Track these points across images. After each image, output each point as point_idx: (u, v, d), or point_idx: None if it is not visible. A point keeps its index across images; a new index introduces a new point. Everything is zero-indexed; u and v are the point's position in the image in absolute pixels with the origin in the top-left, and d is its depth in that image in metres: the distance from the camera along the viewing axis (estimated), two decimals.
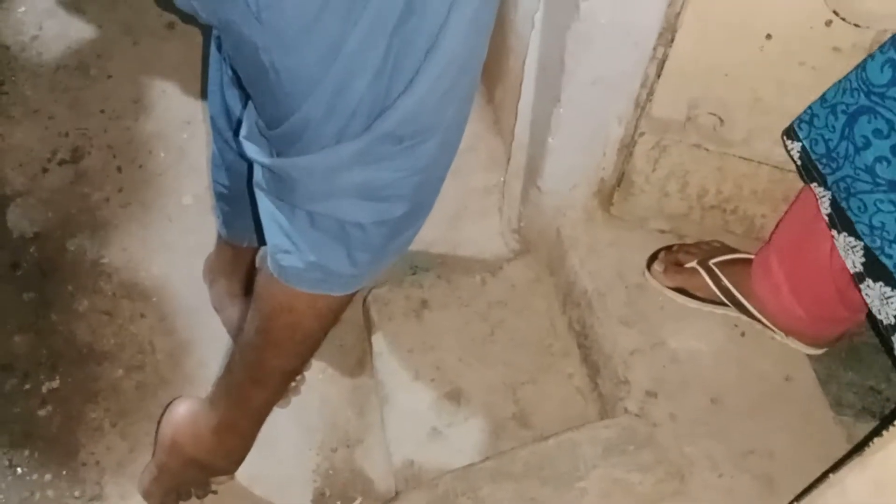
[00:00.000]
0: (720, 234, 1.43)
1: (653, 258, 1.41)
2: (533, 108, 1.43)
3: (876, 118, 1.03)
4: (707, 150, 1.31)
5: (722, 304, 1.36)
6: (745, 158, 1.31)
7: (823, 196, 1.14)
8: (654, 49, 1.21)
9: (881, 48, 1.02)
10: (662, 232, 1.46)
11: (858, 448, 0.93)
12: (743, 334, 1.36)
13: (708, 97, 1.25)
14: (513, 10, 1.57)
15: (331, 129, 0.84)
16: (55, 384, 1.49)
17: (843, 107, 1.07)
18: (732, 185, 1.36)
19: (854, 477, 0.92)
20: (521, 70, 1.43)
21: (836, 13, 1.07)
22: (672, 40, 1.19)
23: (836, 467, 0.95)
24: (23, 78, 1.89)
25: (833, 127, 1.09)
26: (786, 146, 1.20)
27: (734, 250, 1.39)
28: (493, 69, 1.80)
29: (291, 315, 1.04)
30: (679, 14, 1.16)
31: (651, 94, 1.27)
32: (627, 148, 1.36)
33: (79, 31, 1.99)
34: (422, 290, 1.51)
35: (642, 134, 1.33)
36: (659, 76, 1.24)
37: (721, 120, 1.26)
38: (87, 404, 1.47)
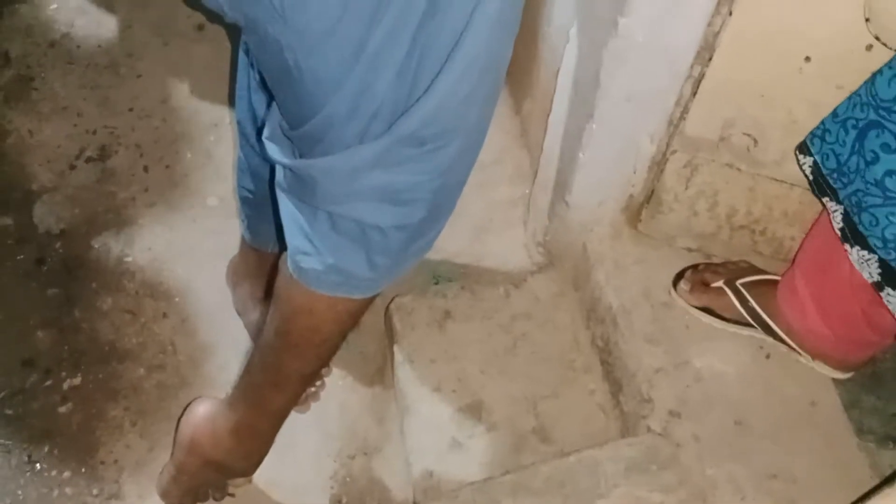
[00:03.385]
0: (748, 254, 1.42)
1: (679, 277, 1.41)
2: (564, 122, 1.42)
3: (884, 132, 1.03)
4: (739, 170, 1.31)
5: (748, 325, 1.35)
6: (777, 180, 1.30)
7: (836, 210, 1.14)
8: (691, 67, 1.21)
9: (889, 63, 1.03)
10: (690, 250, 1.46)
11: (890, 479, 0.93)
12: (768, 356, 1.35)
13: (743, 117, 1.24)
14: (546, 24, 1.57)
15: (353, 129, 0.83)
16: (76, 381, 1.49)
17: (854, 121, 1.08)
18: (763, 206, 1.35)
19: None
20: (553, 83, 1.43)
21: (877, 38, 1.06)
22: (710, 59, 1.19)
23: (865, 498, 0.95)
24: (53, 75, 1.90)
25: (844, 142, 1.10)
26: (798, 161, 1.20)
27: (762, 271, 1.38)
28: (521, 81, 1.80)
29: (311, 318, 1.04)
30: (718, 33, 1.16)
31: (685, 112, 1.27)
32: (658, 165, 1.36)
33: (109, 29, 2.00)
34: (445, 300, 1.51)
35: (674, 152, 1.32)
36: (694, 95, 1.24)
37: (755, 140, 1.26)
38: (107, 402, 1.47)
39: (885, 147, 1.03)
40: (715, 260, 1.44)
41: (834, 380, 1.35)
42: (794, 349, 1.33)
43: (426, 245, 1.00)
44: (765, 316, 1.34)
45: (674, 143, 1.31)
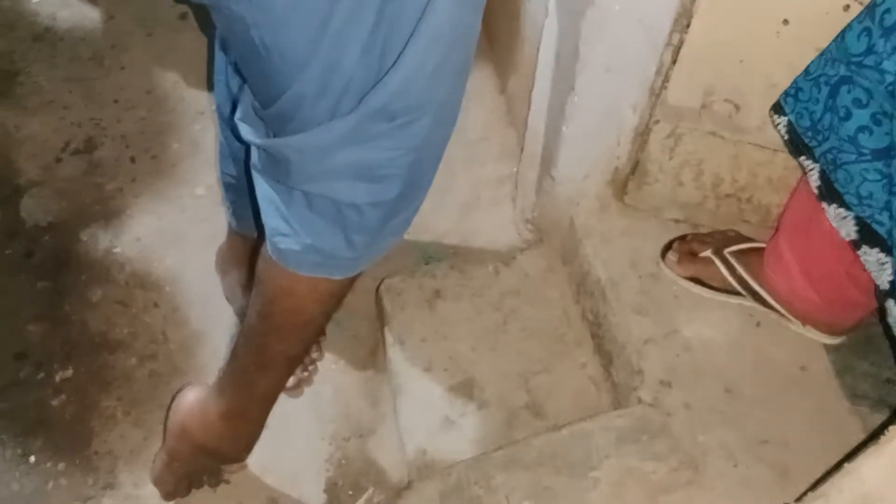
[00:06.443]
0: (735, 223, 1.42)
1: (667, 248, 1.40)
2: (547, 96, 1.42)
3: (854, 87, 1.02)
4: (722, 137, 1.30)
5: (737, 293, 1.35)
6: (760, 146, 1.30)
7: (812, 169, 1.14)
8: (670, 35, 1.20)
9: (858, 17, 1.02)
10: (677, 221, 1.45)
11: (874, 436, 0.92)
12: (758, 324, 1.35)
13: (723, 84, 1.24)
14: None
15: (323, 106, 0.84)
16: (69, 373, 1.49)
17: (825, 78, 1.07)
18: (748, 174, 1.35)
19: (870, 465, 0.91)
20: (535, 58, 1.42)
21: None
22: (688, 26, 1.18)
23: (851, 456, 0.94)
24: (37, 69, 1.89)
25: (817, 99, 1.09)
26: (773, 121, 1.20)
27: (749, 239, 1.38)
28: (506, 59, 1.79)
29: (293, 299, 1.04)
30: None
31: (666, 81, 1.26)
32: (642, 136, 1.35)
33: (93, 22, 1.99)
34: (435, 280, 1.51)
35: (657, 122, 1.32)
36: (674, 63, 1.23)
37: (736, 107, 1.25)
38: (100, 393, 1.47)
39: (857, 102, 1.02)
40: (702, 230, 1.43)
41: (826, 346, 1.34)
42: (783, 316, 1.33)
43: (404, 222, 0.99)
44: (753, 284, 1.33)
45: (656, 112, 1.31)
